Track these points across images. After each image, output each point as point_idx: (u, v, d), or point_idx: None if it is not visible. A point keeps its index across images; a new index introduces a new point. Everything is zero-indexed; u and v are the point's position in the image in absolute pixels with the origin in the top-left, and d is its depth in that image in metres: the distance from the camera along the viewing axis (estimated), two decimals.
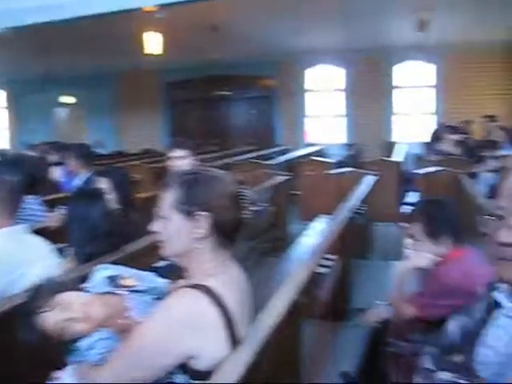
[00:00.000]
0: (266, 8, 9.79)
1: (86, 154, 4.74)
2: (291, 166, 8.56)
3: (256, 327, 1.72)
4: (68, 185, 4.77)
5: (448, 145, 8.33)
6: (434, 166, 7.13)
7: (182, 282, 1.70)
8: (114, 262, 2.14)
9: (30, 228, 2.51)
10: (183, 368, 1.50)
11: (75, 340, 1.59)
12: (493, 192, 6.66)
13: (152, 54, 10.06)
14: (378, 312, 2.82)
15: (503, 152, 7.49)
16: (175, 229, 1.60)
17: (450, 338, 1.62)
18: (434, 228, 2.55)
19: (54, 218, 3.94)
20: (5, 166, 2.66)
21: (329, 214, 6.60)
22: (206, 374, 1.50)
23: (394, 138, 13.44)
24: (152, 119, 15.84)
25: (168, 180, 1.68)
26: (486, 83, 12.88)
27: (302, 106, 14.50)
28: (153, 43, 10.09)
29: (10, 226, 2.30)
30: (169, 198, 1.61)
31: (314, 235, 5.78)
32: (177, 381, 1.51)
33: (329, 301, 3.40)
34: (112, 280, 1.71)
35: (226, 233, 1.63)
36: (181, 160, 4.23)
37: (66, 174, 4.91)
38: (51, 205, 4.26)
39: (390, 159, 8.53)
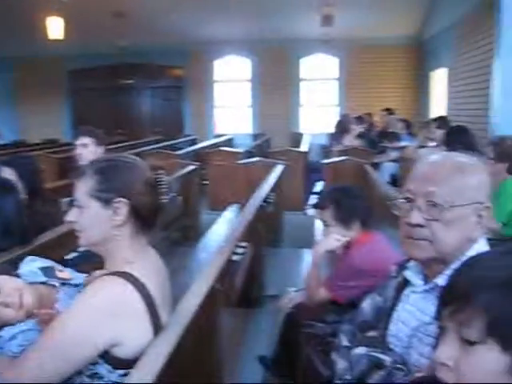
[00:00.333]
0: None
1: None
2: (200, 156, 8.56)
3: (177, 314, 1.72)
4: None
5: (352, 136, 8.64)
6: (340, 156, 7.36)
7: (99, 272, 1.68)
8: (24, 255, 2.08)
9: None
10: (105, 357, 1.48)
11: None
12: (393, 180, 7.01)
13: (56, 40, 9.65)
14: (292, 297, 2.92)
15: (403, 143, 7.86)
16: (92, 217, 1.57)
17: (364, 316, 1.71)
18: (342, 213, 2.67)
19: None
20: None
21: (238, 203, 6.70)
22: (128, 362, 1.49)
23: (301, 129, 13.72)
24: (54, 108, 15.21)
25: (81, 168, 1.65)
26: (386, 77, 13.47)
27: (211, 97, 14.48)
28: (55, 28, 9.69)
29: None
30: (84, 187, 1.58)
31: (224, 224, 5.83)
32: (99, 371, 1.49)
33: (242, 288, 3.45)
34: (47, 271, 1.68)
35: (145, 219, 1.62)
36: (87, 148, 4.14)
37: None
38: None
39: (296, 149, 8.72)
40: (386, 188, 4.80)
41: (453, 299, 0.95)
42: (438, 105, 11.28)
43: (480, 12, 7.95)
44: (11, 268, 1.71)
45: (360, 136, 8.60)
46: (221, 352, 2.33)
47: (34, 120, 15.15)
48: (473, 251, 1.41)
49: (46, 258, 1.83)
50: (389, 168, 7.73)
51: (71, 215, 1.60)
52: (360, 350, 1.52)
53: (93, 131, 4.26)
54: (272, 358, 3.03)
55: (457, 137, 4.59)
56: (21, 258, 1.83)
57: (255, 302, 4.28)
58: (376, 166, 7.42)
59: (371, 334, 1.64)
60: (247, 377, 3.16)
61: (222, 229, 5.70)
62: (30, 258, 1.78)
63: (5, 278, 1.62)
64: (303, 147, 9.31)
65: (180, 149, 9.69)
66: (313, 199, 8.29)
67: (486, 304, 0.88)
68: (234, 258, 2.91)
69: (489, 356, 0.87)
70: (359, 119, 9.55)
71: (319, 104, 14.30)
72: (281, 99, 13.83)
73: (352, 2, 10.34)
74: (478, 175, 1.46)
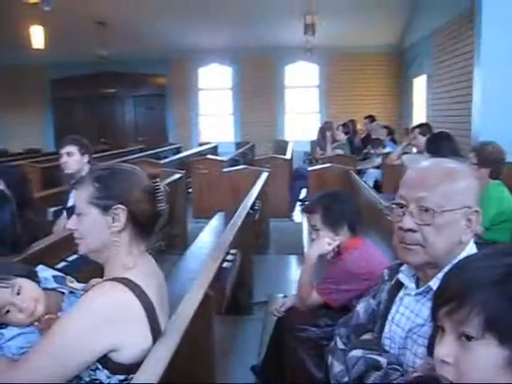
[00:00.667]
0: (156, 4, 9.72)
1: None
2: (185, 165, 8.56)
3: (175, 320, 1.74)
4: None
5: (336, 142, 8.72)
6: (324, 162, 7.43)
7: (95, 280, 1.70)
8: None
9: None
10: (104, 362, 1.49)
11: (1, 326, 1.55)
12: (377, 186, 7.09)
13: (38, 49, 9.63)
14: (284, 301, 2.95)
15: (386, 150, 7.95)
16: (92, 224, 1.60)
17: (359, 319, 1.74)
18: (331, 218, 2.72)
19: None
20: None
21: (224, 210, 6.73)
22: (127, 367, 1.51)
23: (286, 137, 13.78)
24: (37, 117, 15.08)
25: (80, 177, 1.68)
26: (367, 85, 13.61)
27: (195, 105, 14.47)
28: (36, 37, 9.68)
29: None
30: (83, 194, 1.61)
31: (210, 232, 5.85)
32: (98, 376, 1.51)
33: (231, 295, 3.47)
34: (58, 279, 1.70)
35: (143, 225, 1.65)
36: (72, 157, 4.15)
37: None
38: None
39: (281, 156, 8.77)
40: (371, 194, 4.86)
41: (448, 299, 0.99)
42: (420, 112, 11.43)
43: (460, 20, 8.09)
44: (34, 273, 1.73)
45: (345, 142, 8.70)
46: (214, 359, 2.35)
47: (16, 129, 15.01)
48: (464, 254, 1.46)
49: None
50: (372, 174, 7.82)
51: (71, 223, 1.64)
52: (356, 353, 1.55)
53: (78, 140, 4.26)
54: (261, 364, 3.05)
55: (440, 143, 4.66)
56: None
57: (244, 309, 4.30)
58: (360, 172, 7.51)
59: (366, 336, 1.67)
60: None
61: (209, 237, 5.72)
62: (42, 266, 1.81)
63: (30, 283, 1.66)
64: (288, 154, 9.37)
65: (164, 157, 9.70)
66: (298, 206, 8.35)
67: (482, 302, 0.93)
68: (224, 265, 2.94)
69: (487, 350, 0.92)
70: (345, 126, 9.65)
71: (302, 111, 14.39)
72: (265, 107, 13.89)
73: (334, 10, 10.44)
74: (467, 180, 1.51)
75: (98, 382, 1.51)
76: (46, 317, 1.63)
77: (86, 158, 4.20)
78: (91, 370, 1.50)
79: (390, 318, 1.60)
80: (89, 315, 1.48)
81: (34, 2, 7.68)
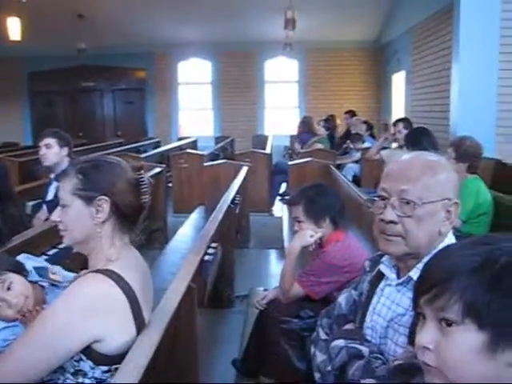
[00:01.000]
0: None
1: None
2: (165, 159, 8.54)
3: (158, 312, 1.76)
4: None
5: (317, 137, 8.76)
6: (304, 157, 7.46)
7: (84, 271, 1.70)
8: None
9: None
10: (87, 353, 1.50)
11: None
12: (355, 180, 7.15)
13: (15, 41, 9.50)
14: (266, 294, 2.97)
15: (365, 145, 8.02)
16: (76, 215, 1.61)
17: (341, 310, 1.77)
18: (314, 210, 2.75)
19: None
20: None
21: (204, 205, 6.73)
22: (111, 358, 1.52)
23: (266, 132, 13.81)
24: (14, 111, 14.87)
25: (64, 169, 1.69)
26: (346, 80, 13.70)
27: (175, 99, 14.41)
28: (13, 29, 9.53)
29: None
30: (68, 186, 1.62)
31: (190, 226, 5.85)
32: (82, 368, 1.51)
33: (213, 288, 3.49)
34: (40, 271, 1.70)
35: (126, 217, 1.66)
36: (51, 149, 4.13)
37: None
38: None
39: (260, 151, 8.80)
40: (350, 188, 4.91)
41: (429, 287, 1.01)
42: (398, 107, 11.52)
43: (439, 17, 8.17)
44: (22, 265, 1.72)
45: (325, 137, 8.76)
46: (197, 351, 2.36)
47: None
48: (443, 245, 1.49)
49: None
50: (351, 169, 7.88)
51: (55, 215, 1.65)
52: (338, 342, 1.58)
53: (57, 132, 4.24)
54: (242, 356, 3.07)
55: (419, 138, 4.72)
56: None
57: (225, 302, 4.33)
58: (339, 166, 7.56)
59: (348, 326, 1.71)
60: (219, 377, 3.20)
61: (189, 231, 5.71)
62: (24, 255, 1.80)
63: (20, 278, 1.66)
64: (267, 149, 9.39)
65: (144, 151, 9.65)
66: (278, 200, 8.38)
67: (461, 288, 0.95)
68: (206, 258, 2.95)
69: (467, 335, 0.95)
70: (327, 121, 9.70)
71: (281, 106, 14.41)
72: (244, 101, 13.90)
73: (314, 5, 10.47)
74: (447, 173, 1.55)
75: (81, 372, 1.51)
76: (31, 309, 1.63)
77: (65, 151, 4.18)
78: (75, 360, 1.51)
79: (371, 308, 1.64)
80: (72, 306, 1.48)
81: None
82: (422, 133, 4.93)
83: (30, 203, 4.42)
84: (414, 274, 1.49)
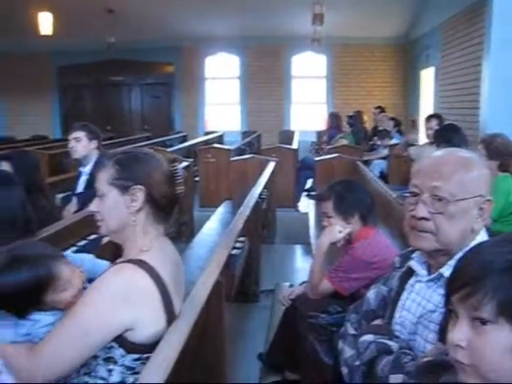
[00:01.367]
0: None
1: None
2: (191, 153, 8.59)
3: (188, 304, 1.77)
4: None
5: (344, 133, 8.73)
6: (330, 153, 7.44)
7: (120, 260, 1.73)
8: None
9: None
10: (119, 341, 1.53)
11: (28, 311, 1.58)
12: (382, 177, 7.11)
13: (46, 36, 9.63)
14: (293, 289, 2.98)
15: (392, 141, 7.96)
16: (112, 204, 1.64)
17: (370, 305, 1.77)
18: (344, 206, 2.74)
19: None
20: None
21: (230, 199, 6.75)
22: (142, 347, 1.54)
23: (292, 127, 13.77)
24: (43, 105, 15.09)
25: (102, 160, 1.72)
26: (374, 76, 13.57)
27: (202, 93, 14.46)
28: (44, 24, 9.67)
29: None
30: (104, 176, 1.65)
31: (217, 221, 5.88)
32: (113, 355, 1.54)
33: (239, 282, 3.51)
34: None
35: (161, 207, 1.68)
36: (80, 142, 4.20)
37: None
38: None
39: (287, 146, 8.77)
40: (378, 184, 4.88)
41: (462, 285, 1.01)
42: (427, 104, 11.39)
43: (470, 12, 8.05)
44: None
45: (352, 133, 8.72)
46: (224, 345, 2.38)
47: (23, 116, 15.05)
48: (475, 242, 1.48)
49: None
50: (378, 165, 7.84)
51: (93, 205, 1.68)
52: (367, 337, 1.58)
53: (86, 126, 4.31)
54: (268, 351, 3.08)
55: (450, 135, 4.67)
56: None
57: (251, 297, 4.34)
58: (366, 163, 7.52)
59: (376, 322, 1.71)
60: (244, 372, 3.21)
61: (215, 225, 5.74)
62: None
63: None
64: (294, 144, 9.37)
65: (170, 146, 9.71)
66: (304, 196, 8.37)
67: (495, 288, 0.95)
68: (234, 252, 2.97)
69: (500, 334, 0.94)
70: (351, 117, 9.65)
71: (308, 102, 14.36)
72: (272, 96, 13.88)
73: (341, 1, 10.40)
74: (480, 170, 1.54)
75: (112, 359, 1.54)
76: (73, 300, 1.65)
77: (94, 144, 4.25)
78: (106, 348, 1.53)
79: (400, 304, 1.63)
80: (105, 296, 1.51)
81: None
82: (452, 130, 4.87)
83: (60, 195, 4.48)
84: (445, 270, 1.49)
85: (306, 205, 7.86)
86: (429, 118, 6.09)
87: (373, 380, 1.53)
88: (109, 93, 14.95)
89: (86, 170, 4.24)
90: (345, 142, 8.37)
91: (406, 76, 13.28)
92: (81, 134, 4.21)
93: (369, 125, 10.41)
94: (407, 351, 1.48)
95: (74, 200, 4.09)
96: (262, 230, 5.09)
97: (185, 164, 6.19)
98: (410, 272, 1.65)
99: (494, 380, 0.95)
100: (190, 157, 7.57)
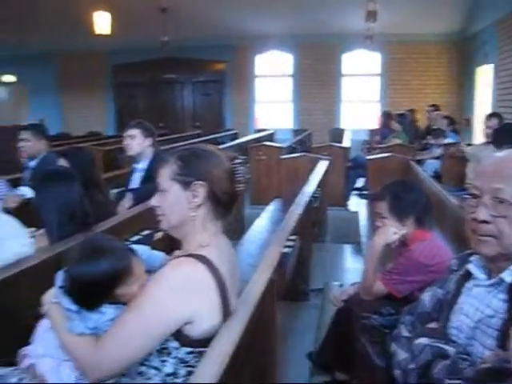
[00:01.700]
0: None
1: (44, 134, 4.65)
2: (242, 151, 8.62)
3: (242, 301, 1.79)
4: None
5: (396, 132, 8.61)
6: (383, 152, 7.34)
7: (179, 252, 1.76)
8: None
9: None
10: (175, 334, 1.54)
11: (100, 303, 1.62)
12: (436, 177, 6.97)
13: (101, 35, 9.84)
14: (342, 291, 2.95)
15: (447, 140, 7.79)
16: (173, 199, 1.67)
17: (424, 308, 1.74)
18: (399, 207, 2.68)
19: (11, 198, 3.90)
20: None
21: (280, 197, 6.75)
22: (196, 341, 1.56)
23: (342, 125, 13.67)
24: (98, 102, 15.48)
25: (163, 155, 1.76)
26: (428, 73, 13.32)
27: (252, 91, 14.52)
28: (102, 23, 9.88)
29: None
30: (167, 172, 1.68)
31: (267, 218, 5.88)
32: (168, 346, 1.56)
33: (290, 281, 3.50)
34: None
35: (221, 204, 1.70)
36: (135, 140, 4.27)
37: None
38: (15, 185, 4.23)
39: (338, 145, 8.71)
40: (433, 185, 4.78)
41: None
42: (483, 101, 11.09)
43: None
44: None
45: (404, 132, 8.59)
46: (275, 343, 2.39)
47: (78, 113, 15.46)
48: None
49: None
50: (432, 165, 7.68)
51: (155, 200, 1.71)
52: (422, 341, 1.56)
53: (141, 123, 4.39)
54: (319, 350, 3.07)
55: (507, 135, 4.53)
56: None
57: (301, 295, 4.33)
58: (419, 162, 7.38)
59: (431, 325, 1.68)
60: (293, 370, 3.20)
61: (265, 223, 5.75)
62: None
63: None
64: (345, 143, 9.29)
65: (222, 143, 9.77)
66: (354, 195, 8.30)
67: None
68: (285, 250, 2.97)
69: None
70: (401, 116, 9.50)
71: (360, 100, 14.21)
72: (322, 94, 13.81)
73: None
74: None
75: (166, 351, 1.56)
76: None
77: (148, 141, 4.32)
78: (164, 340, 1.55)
79: (457, 308, 1.60)
80: (166, 289, 1.53)
81: None
82: (510, 130, 4.73)
83: (114, 191, 4.58)
84: (507, 275, 1.45)
85: (356, 204, 7.79)
86: (489, 117, 5.89)
87: None
88: (162, 90, 15.17)
89: (140, 166, 4.32)
90: (398, 140, 8.24)
91: (460, 73, 12.97)
92: (136, 132, 4.30)
93: (422, 123, 10.22)
94: (464, 356, 1.45)
95: (129, 195, 4.17)
96: (313, 229, 5.06)
97: (237, 161, 6.23)
98: (468, 275, 1.61)
99: None
100: (241, 154, 7.60)
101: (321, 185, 5.28)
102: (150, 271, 1.70)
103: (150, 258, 1.85)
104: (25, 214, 2.89)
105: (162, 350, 1.56)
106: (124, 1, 9.94)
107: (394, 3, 10.44)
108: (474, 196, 1.52)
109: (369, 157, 7.46)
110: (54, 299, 1.64)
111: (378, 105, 13.80)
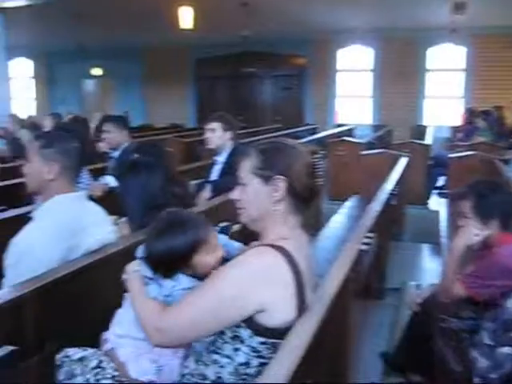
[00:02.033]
0: None
1: (126, 126, 4.80)
2: (321, 146, 8.57)
3: (319, 296, 1.79)
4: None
5: (480, 129, 8.31)
6: (467, 150, 7.10)
7: (256, 242, 1.78)
8: None
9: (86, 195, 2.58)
10: (248, 322, 1.56)
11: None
12: None
13: (185, 29, 10.05)
14: (419, 294, 2.88)
15: None
16: (253, 193, 1.69)
17: (509, 315, 1.68)
18: (484, 207, 2.59)
19: (97, 187, 4.05)
20: (65, 134, 2.72)
21: (359, 194, 6.67)
22: (270, 331, 1.56)
23: (425, 122, 13.32)
24: (180, 94, 15.88)
25: (245, 149, 1.77)
26: None
27: (333, 86, 14.42)
28: (186, 18, 10.08)
29: (72, 193, 2.37)
30: (248, 165, 1.70)
31: (345, 215, 5.84)
32: (241, 334, 1.57)
33: (365, 278, 3.46)
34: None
35: (301, 199, 1.69)
36: (215, 133, 4.33)
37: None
38: (96, 174, 4.39)
39: (419, 142, 8.50)
40: None
41: None
42: None
43: None
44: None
45: (489, 129, 8.27)
46: (350, 340, 2.37)
47: (161, 105, 15.88)
48: None
49: None
50: None
51: (235, 193, 1.74)
52: (506, 350, 1.50)
53: (222, 117, 4.43)
54: (393, 351, 3.02)
55: None
56: None
57: (376, 294, 4.27)
58: (506, 162, 7.09)
59: None
60: (365, 369, 3.17)
61: (342, 219, 5.71)
62: None
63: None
64: (427, 140, 9.06)
65: (300, 137, 9.75)
66: (435, 194, 8.08)
67: None
68: (363, 248, 2.93)
69: None
70: (486, 113, 9.15)
71: (443, 96, 13.79)
72: (404, 90, 13.52)
73: None
74: None
75: (239, 339, 1.57)
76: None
77: (228, 135, 4.36)
78: (235, 326, 1.57)
79: None
80: (244, 275, 1.55)
81: None
82: None
83: (194, 182, 4.66)
84: None
85: (437, 203, 7.58)
86: None
87: None
88: (241, 84, 15.34)
89: (221, 158, 4.38)
90: (482, 139, 7.95)
91: None
92: (216, 125, 4.35)
93: (510, 121, 9.81)
94: None
95: (208, 187, 4.25)
96: (391, 227, 4.98)
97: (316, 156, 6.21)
98: None
99: None
100: (320, 150, 7.56)
101: (400, 182, 5.18)
102: (227, 259, 1.73)
103: (226, 246, 1.88)
104: (108, 202, 2.99)
105: (235, 337, 1.58)
106: None
107: None
108: None
109: (451, 155, 7.24)
110: (135, 268, 1.74)
111: (461, 101, 13.35)
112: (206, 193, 4.21)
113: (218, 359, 1.60)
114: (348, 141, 8.34)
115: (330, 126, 13.70)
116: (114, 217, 2.85)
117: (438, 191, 8.11)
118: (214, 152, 4.47)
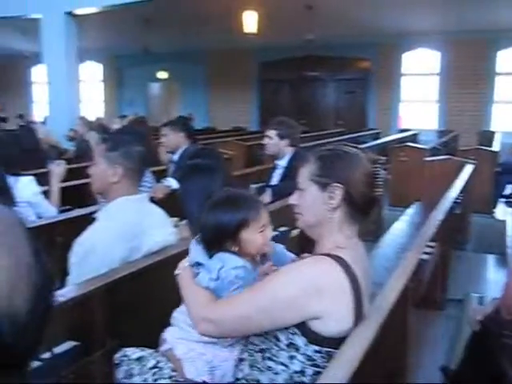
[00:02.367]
0: None
1: (183, 128, 4.86)
2: (384, 151, 8.45)
3: (377, 306, 1.77)
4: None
5: None
6: None
7: (307, 255, 1.78)
8: None
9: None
10: (302, 329, 1.55)
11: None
12: None
13: (250, 33, 10.13)
14: (482, 308, 2.79)
15: None
16: (310, 199, 1.69)
17: None
18: None
19: (159, 189, 4.13)
20: (130, 137, 2.79)
21: (421, 201, 6.53)
22: (325, 340, 1.55)
23: (493, 127, 12.91)
24: (242, 98, 16.01)
25: (305, 154, 1.78)
26: None
27: (397, 90, 14.19)
28: (250, 22, 10.17)
29: (135, 195, 2.43)
30: (306, 171, 1.71)
31: (406, 222, 5.73)
32: (296, 342, 1.57)
33: (426, 288, 3.39)
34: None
35: (358, 207, 1.68)
36: (271, 140, 4.36)
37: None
38: (159, 176, 4.49)
39: (486, 148, 8.23)
40: None
41: None
42: None
43: None
44: None
45: None
46: (408, 351, 2.32)
47: (224, 109, 16.06)
48: None
49: None
50: None
51: (293, 198, 1.75)
52: None
53: (280, 123, 4.41)
54: (458, 369, 2.93)
55: None
56: None
57: (436, 304, 4.17)
58: None
59: None
60: (422, 380, 3.10)
61: (404, 227, 5.60)
62: None
63: None
64: (494, 146, 8.77)
65: (363, 142, 9.65)
66: (502, 202, 7.82)
67: None
68: (424, 257, 2.88)
69: None
70: None
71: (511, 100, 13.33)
72: (472, 94, 13.15)
73: None
74: None
75: (294, 346, 1.57)
76: (268, 264, 1.76)
77: (284, 143, 4.35)
78: (290, 333, 1.57)
79: None
80: (300, 282, 1.55)
81: None
82: None
83: (254, 186, 4.68)
84: None
85: (504, 212, 7.32)
86: None
87: None
88: (304, 87, 15.32)
89: (282, 163, 4.39)
90: None
91: None
92: (272, 133, 4.37)
93: None
94: None
95: (268, 191, 4.26)
96: (454, 236, 4.85)
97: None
98: None
99: None
100: (382, 155, 7.45)
101: (465, 190, 5.04)
102: (278, 266, 1.75)
103: (281, 253, 1.89)
104: (170, 204, 3.05)
105: (290, 345, 1.58)
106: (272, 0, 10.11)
107: None
108: None
109: None
110: (187, 263, 1.78)
111: None
112: (267, 197, 4.22)
113: (272, 366, 1.60)
114: (412, 146, 8.18)
115: (393, 130, 13.49)
116: (174, 219, 2.91)
117: (505, 200, 7.85)
118: (275, 156, 4.49)
